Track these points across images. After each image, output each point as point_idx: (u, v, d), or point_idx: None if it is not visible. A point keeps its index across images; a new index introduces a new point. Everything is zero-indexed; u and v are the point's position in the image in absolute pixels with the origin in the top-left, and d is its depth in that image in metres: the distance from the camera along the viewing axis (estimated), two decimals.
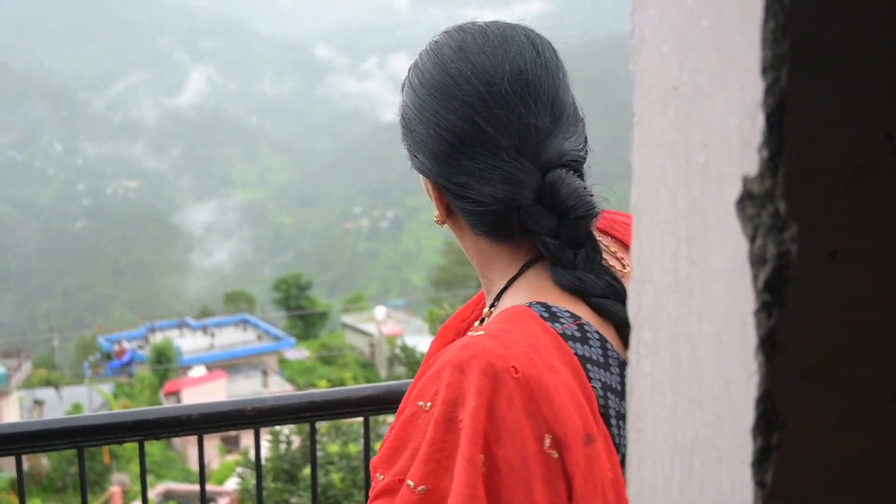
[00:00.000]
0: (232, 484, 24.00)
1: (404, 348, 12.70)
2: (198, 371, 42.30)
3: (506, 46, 1.35)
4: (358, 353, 51.17)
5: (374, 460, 1.28)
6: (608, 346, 1.30)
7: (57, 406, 37.17)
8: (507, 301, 1.36)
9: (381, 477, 1.24)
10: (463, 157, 1.33)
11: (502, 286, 1.39)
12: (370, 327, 50.87)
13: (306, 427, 10.47)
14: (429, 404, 1.20)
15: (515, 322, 1.26)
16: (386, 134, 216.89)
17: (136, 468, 30.62)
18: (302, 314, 58.85)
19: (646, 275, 0.52)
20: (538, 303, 1.31)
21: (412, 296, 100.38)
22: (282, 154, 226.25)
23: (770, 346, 0.42)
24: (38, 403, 37.55)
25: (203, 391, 36.60)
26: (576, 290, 1.32)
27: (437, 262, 71.47)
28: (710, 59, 0.46)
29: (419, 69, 1.40)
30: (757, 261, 0.43)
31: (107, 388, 40.94)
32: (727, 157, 0.45)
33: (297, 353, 51.04)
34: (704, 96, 0.47)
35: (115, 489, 24.19)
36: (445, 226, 1.48)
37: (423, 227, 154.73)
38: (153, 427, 2.18)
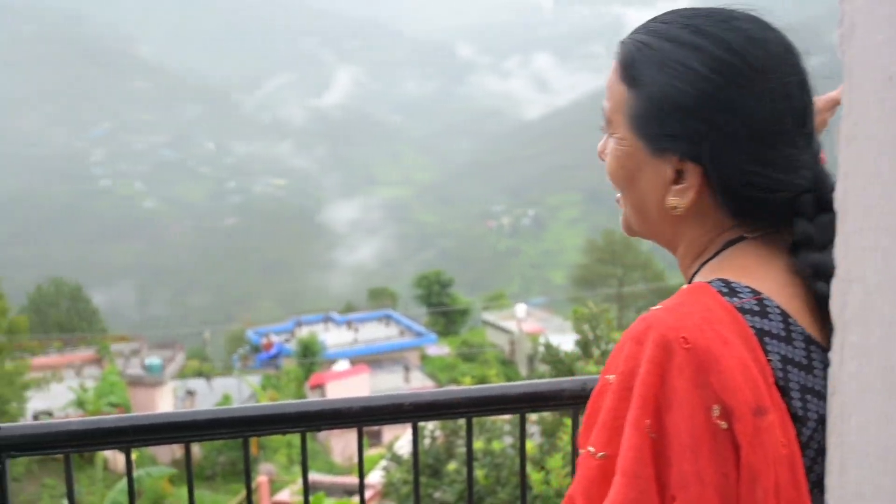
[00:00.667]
0: (375, 477, 24.39)
1: (548, 346, 12.77)
2: (342, 365, 42.84)
3: (776, 31, 1.39)
4: (498, 350, 51.22)
5: (582, 435, 1.35)
6: (790, 321, 1.30)
7: (207, 396, 38.32)
8: (711, 273, 1.38)
9: (590, 448, 1.29)
10: (762, 145, 1.31)
11: (699, 264, 1.42)
12: (511, 325, 50.88)
13: (450, 423, 10.82)
14: (612, 377, 1.27)
15: (691, 296, 1.30)
16: (527, 133, 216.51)
17: (282, 459, 31.52)
18: (443, 311, 59.42)
19: (852, 273, 0.49)
20: (719, 279, 1.33)
21: (553, 294, 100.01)
22: (424, 153, 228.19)
23: None
24: (190, 393, 38.64)
25: (347, 385, 37.15)
26: (819, 272, 1.29)
27: (577, 260, 70.92)
28: None
29: (694, 48, 1.33)
30: None
31: (255, 379, 41.86)
32: None
33: (439, 349, 51.42)
34: None
35: (262, 479, 24.84)
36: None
37: (564, 226, 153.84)
38: (315, 419, 2.23)
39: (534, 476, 6.75)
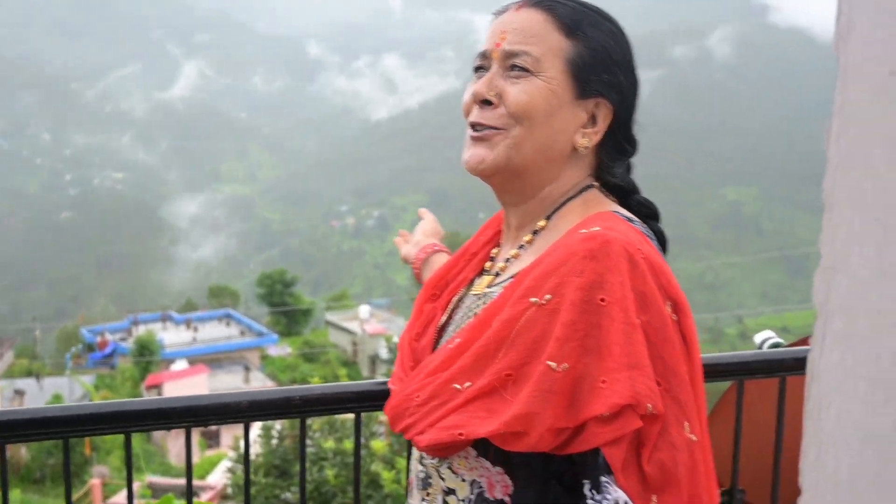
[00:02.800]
0: (214, 478, 24.34)
1: (394, 346, 13.24)
2: (180, 365, 42.46)
3: None
4: (340, 350, 51.26)
5: (447, 375, 1.47)
6: (660, 247, 1.60)
7: (38, 396, 37.17)
8: (576, 213, 1.59)
9: (468, 384, 1.43)
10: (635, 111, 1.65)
11: (560, 202, 1.62)
12: (354, 326, 51.13)
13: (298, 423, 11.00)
14: (547, 297, 1.38)
15: (615, 221, 1.49)
16: (375, 134, 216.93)
17: (115, 461, 30.70)
18: (285, 311, 59.05)
19: (838, 263, 0.50)
20: (616, 210, 1.58)
21: (396, 295, 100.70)
22: (271, 151, 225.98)
23: None
24: (19, 393, 37.44)
25: (185, 385, 36.50)
26: (644, 205, 1.66)
27: None
28: None
29: (616, 26, 1.64)
30: None
31: (88, 379, 40.66)
32: None
33: (280, 349, 51.19)
34: None
35: (95, 481, 24.26)
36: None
37: (409, 227, 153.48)
38: (139, 419, 2.11)
39: (385, 475, 6.76)
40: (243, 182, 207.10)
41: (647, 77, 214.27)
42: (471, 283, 1.76)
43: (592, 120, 1.59)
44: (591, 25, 1.59)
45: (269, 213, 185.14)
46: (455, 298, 1.76)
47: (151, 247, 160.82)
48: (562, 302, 1.37)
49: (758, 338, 3.05)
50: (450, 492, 1.55)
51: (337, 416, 8.79)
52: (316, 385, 2.34)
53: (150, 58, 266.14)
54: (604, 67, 1.58)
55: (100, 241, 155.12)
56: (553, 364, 1.35)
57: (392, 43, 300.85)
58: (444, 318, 1.74)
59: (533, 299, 1.40)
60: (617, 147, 1.63)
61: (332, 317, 57.09)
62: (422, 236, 2.27)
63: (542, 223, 1.62)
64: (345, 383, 2.25)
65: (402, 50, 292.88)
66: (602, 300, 1.35)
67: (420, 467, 1.63)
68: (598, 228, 1.43)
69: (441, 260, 2.14)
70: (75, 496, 22.50)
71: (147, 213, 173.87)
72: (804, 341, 2.90)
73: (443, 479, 1.56)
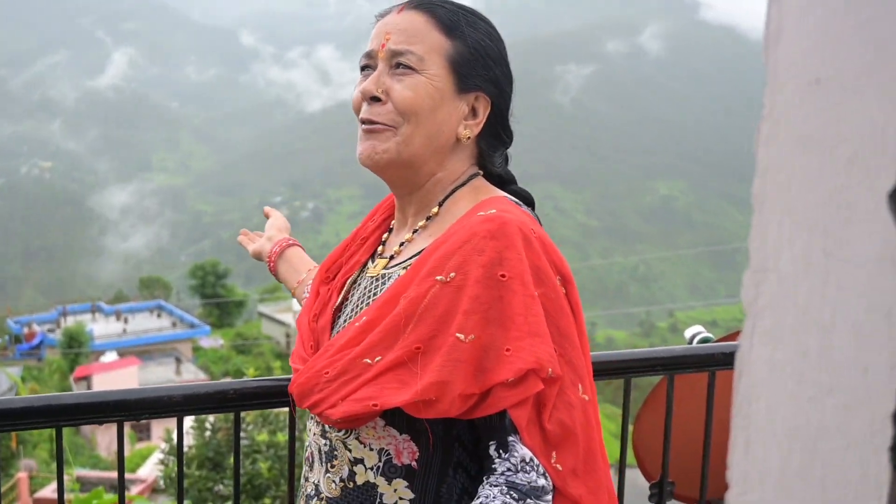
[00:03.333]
0: (145, 471, 24.06)
1: None
2: (109, 356, 41.63)
3: None
4: (274, 342, 50.95)
5: (357, 351, 1.57)
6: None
7: None
8: (466, 200, 1.72)
9: (379, 358, 1.53)
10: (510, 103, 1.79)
11: (450, 189, 1.74)
12: (287, 318, 50.57)
13: (232, 415, 10.95)
14: (452, 275, 1.51)
15: (508, 204, 1.65)
16: (309, 125, 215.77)
17: (43, 454, 30.27)
18: (218, 302, 58.46)
19: (768, 263, 0.53)
20: (505, 195, 1.72)
21: None
22: (203, 141, 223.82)
23: None
24: None
25: (114, 377, 35.92)
26: (512, 182, 1.82)
27: None
28: (864, 53, 0.47)
29: (490, 26, 1.78)
30: None
31: (15, 371, 40.00)
32: (880, 151, 0.45)
33: (212, 341, 50.75)
34: (853, 90, 0.47)
35: (21, 475, 23.97)
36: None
37: (342, 220, 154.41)
38: (70, 413, 2.04)
39: None
40: (174, 172, 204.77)
41: (580, 72, 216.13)
42: (363, 265, 1.87)
43: (473, 112, 1.72)
44: (469, 25, 1.73)
45: (201, 205, 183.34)
46: (349, 280, 1.86)
47: (80, 237, 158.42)
48: (466, 279, 1.50)
49: (688, 333, 3.10)
50: (357, 461, 1.63)
51: (271, 409, 8.80)
52: (251, 378, 2.33)
53: (79, 45, 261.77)
54: (481, 63, 1.72)
55: (27, 231, 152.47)
56: (461, 335, 1.47)
57: (326, 34, 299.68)
58: (339, 300, 1.84)
59: (438, 277, 1.52)
60: (496, 137, 1.76)
61: (265, 308, 56.73)
62: (274, 231, 2.37)
63: (434, 210, 1.74)
64: (280, 377, 2.22)
65: (337, 41, 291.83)
66: (503, 276, 1.48)
67: (323, 441, 1.70)
68: (494, 211, 1.57)
69: (296, 253, 2.30)
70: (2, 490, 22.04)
71: (76, 203, 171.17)
72: (732, 336, 2.96)
73: (349, 449, 1.64)
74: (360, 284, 1.82)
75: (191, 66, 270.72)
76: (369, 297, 1.74)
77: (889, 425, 0.45)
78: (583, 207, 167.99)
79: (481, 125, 1.72)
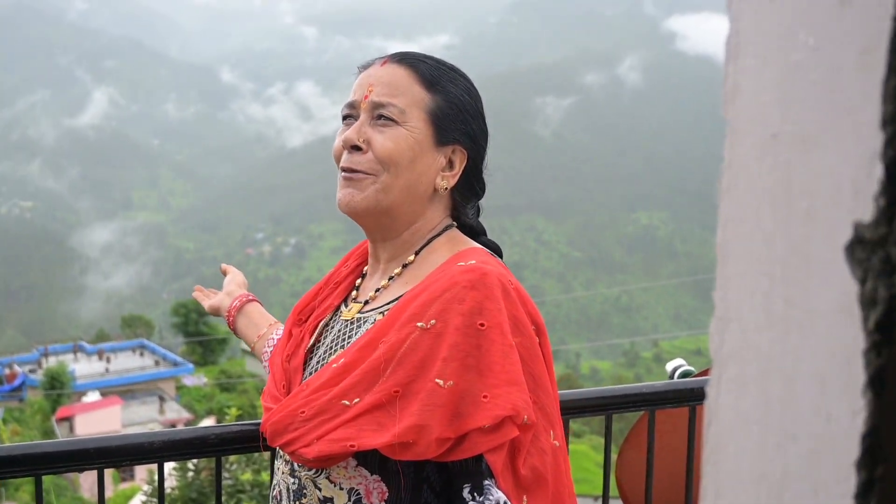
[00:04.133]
0: None
1: None
2: (92, 396, 41.64)
3: None
4: (258, 380, 50.82)
5: (335, 392, 1.60)
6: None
7: None
8: (443, 249, 1.77)
9: (357, 400, 1.56)
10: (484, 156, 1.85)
11: (427, 238, 1.80)
12: None
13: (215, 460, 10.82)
14: (432, 322, 1.54)
15: (486, 255, 1.71)
16: (290, 161, 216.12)
17: (25, 496, 30.23)
18: (201, 340, 58.04)
19: (731, 312, 0.55)
20: (480, 246, 1.79)
21: None
22: (184, 178, 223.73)
23: (879, 383, 0.45)
24: None
25: (97, 417, 35.98)
26: (483, 234, 1.90)
27: None
28: (819, 110, 0.48)
29: (468, 81, 1.86)
30: (868, 303, 0.45)
31: None
32: (836, 204, 0.47)
33: (196, 379, 50.54)
34: (810, 145, 0.49)
35: None
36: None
37: (325, 255, 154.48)
38: (49, 461, 2.03)
39: None
40: (156, 210, 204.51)
41: (559, 104, 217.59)
42: (336, 309, 1.91)
43: (450, 164, 1.78)
44: (449, 81, 1.79)
45: (183, 242, 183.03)
46: (322, 323, 1.90)
47: (61, 276, 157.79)
48: (446, 326, 1.53)
49: (669, 366, 3.12)
50: (326, 500, 1.66)
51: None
52: (232, 423, 2.32)
53: (59, 84, 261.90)
54: (460, 118, 1.78)
55: (7, 270, 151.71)
56: (440, 381, 1.51)
57: (306, 70, 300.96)
58: (311, 341, 1.88)
59: (419, 324, 1.55)
60: (470, 189, 1.83)
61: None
62: (234, 287, 2.38)
63: (411, 258, 1.79)
64: (260, 421, 2.22)
65: (316, 77, 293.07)
66: (482, 325, 1.53)
67: (292, 479, 1.73)
68: (474, 262, 1.62)
69: (256, 309, 2.32)
70: None
71: (57, 243, 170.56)
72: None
73: (318, 488, 1.67)
74: (332, 327, 1.86)
75: (170, 103, 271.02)
76: (344, 340, 1.78)
77: (853, 473, 0.46)
78: (565, 239, 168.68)
79: (457, 177, 1.78)
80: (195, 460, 10.05)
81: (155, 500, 11.05)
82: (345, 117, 1.82)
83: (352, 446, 1.54)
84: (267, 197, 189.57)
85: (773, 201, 0.52)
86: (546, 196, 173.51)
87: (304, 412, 1.62)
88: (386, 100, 1.73)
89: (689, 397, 2.53)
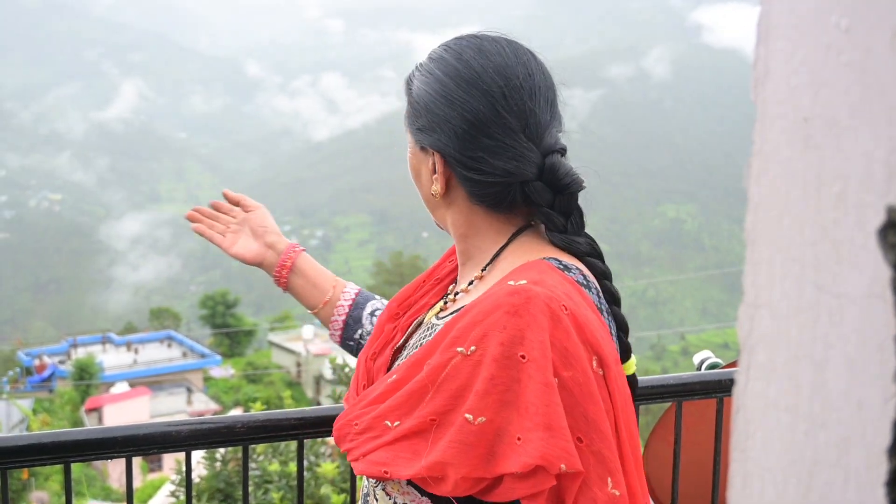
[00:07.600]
0: (157, 502, 24.00)
1: (339, 367, 12.99)
2: (120, 387, 41.65)
3: (517, 54, 1.63)
4: (284, 371, 50.71)
5: (381, 410, 1.52)
6: (600, 293, 1.62)
7: None
8: (508, 261, 1.61)
9: (397, 423, 1.49)
10: (481, 136, 1.56)
11: (494, 251, 1.64)
12: (297, 346, 50.65)
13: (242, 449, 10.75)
14: (472, 348, 1.41)
15: (543, 272, 1.50)
16: (316, 154, 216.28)
17: (55, 486, 30.42)
18: (228, 332, 58.28)
19: (760, 299, 0.53)
20: (552, 258, 1.58)
21: None
22: (211, 171, 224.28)
23: None
24: None
25: (125, 408, 36.13)
26: (568, 249, 1.62)
27: (365, 282, 71.65)
28: (851, 93, 0.47)
29: (442, 63, 1.62)
30: None
31: (26, 403, 39.99)
32: (869, 188, 0.46)
33: (223, 370, 50.49)
34: (842, 129, 0.48)
35: None
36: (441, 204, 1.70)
37: (351, 248, 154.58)
38: (78, 449, 2.04)
39: (334, 499, 6.70)
40: (183, 203, 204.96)
41: (586, 97, 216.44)
42: (432, 307, 1.80)
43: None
44: (419, 76, 1.68)
45: None
46: (415, 323, 1.81)
47: (90, 269, 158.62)
48: (484, 355, 1.40)
49: (696, 358, 3.09)
50: None
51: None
52: (259, 412, 2.31)
53: (87, 78, 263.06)
54: (417, 114, 1.66)
55: (36, 263, 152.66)
56: (470, 416, 1.39)
57: (332, 63, 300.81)
58: (402, 341, 1.80)
59: (459, 349, 1.43)
60: (469, 180, 1.65)
61: (275, 337, 56.53)
62: (273, 236, 2.22)
63: (478, 273, 1.67)
64: (287, 410, 2.22)
65: (342, 69, 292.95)
66: (522, 357, 1.38)
67: (365, 482, 1.71)
68: (524, 282, 1.45)
69: (310, 266, 2.17)
70: None
71: (85, 235, 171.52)
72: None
73: (377, 499, 1.64)
74: (420, 329, 1.77)
75: (197, 96, 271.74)
76: (418, 346, 1.68)
77: (884, 460, 0.45)
78: (592, 232, 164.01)
79: (442, 178, 1.64)
80: (222, 451, 10.07)
81: (182, 489, 11.05)
82: None
83: (385, 473, 1.49)
84: (293, 190, 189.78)
85: (803, 185, 0.51)
86: None
87: (357, 424, 1.58)
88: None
89: (717, 389, 2.52)
